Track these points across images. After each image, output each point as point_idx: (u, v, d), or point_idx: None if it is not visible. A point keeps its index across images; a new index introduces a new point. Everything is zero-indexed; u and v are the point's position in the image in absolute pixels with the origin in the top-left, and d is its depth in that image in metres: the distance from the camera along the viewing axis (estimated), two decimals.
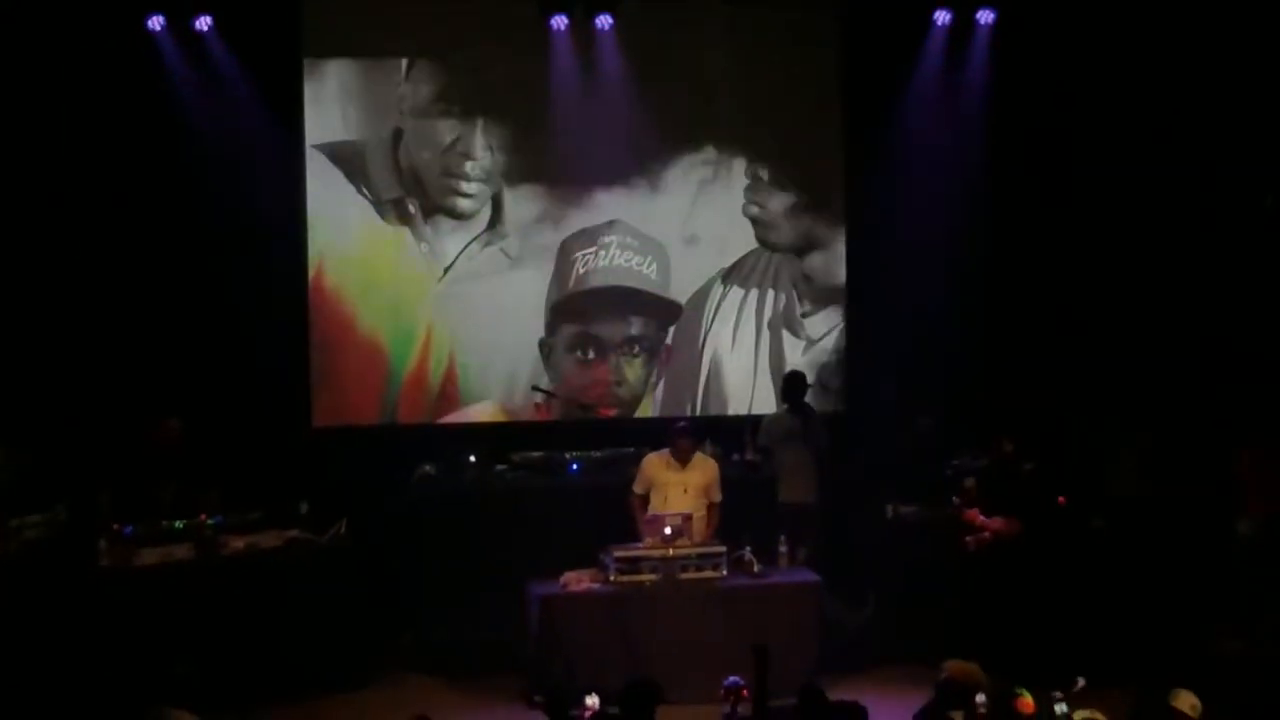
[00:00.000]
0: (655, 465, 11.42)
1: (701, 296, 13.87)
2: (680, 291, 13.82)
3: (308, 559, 11.28)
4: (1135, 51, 12.92)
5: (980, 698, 8.18)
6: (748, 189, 13.92)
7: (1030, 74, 13.33)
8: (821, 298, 14.00)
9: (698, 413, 13.78)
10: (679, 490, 11.29)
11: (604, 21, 13.17)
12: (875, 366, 13.69)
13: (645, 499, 11.34)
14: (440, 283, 13.45)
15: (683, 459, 11.38)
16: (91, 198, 12.48)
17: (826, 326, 14.02)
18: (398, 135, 13.39)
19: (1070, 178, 13.33)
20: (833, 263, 14.03)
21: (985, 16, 13.57)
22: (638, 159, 13.71)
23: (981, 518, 11.29)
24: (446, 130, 13.47)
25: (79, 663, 10.20)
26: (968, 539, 11.26)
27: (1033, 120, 13.36)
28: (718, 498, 11.44)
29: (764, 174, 13.93)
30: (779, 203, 13.97)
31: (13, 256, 12.29)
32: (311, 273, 13.35)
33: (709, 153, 13.86)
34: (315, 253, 13.33)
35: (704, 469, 11.48)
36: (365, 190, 13.35)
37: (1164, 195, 12.90)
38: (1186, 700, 7.85)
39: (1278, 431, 11.33)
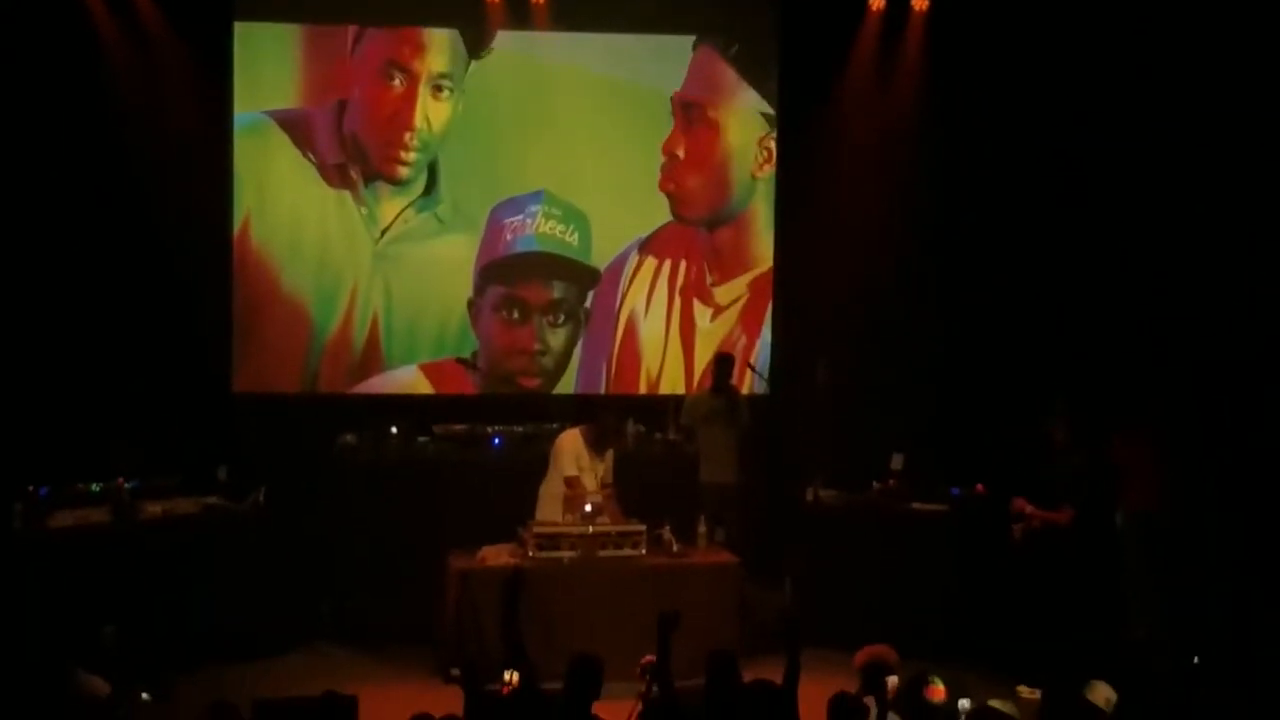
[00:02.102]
0: (577, 446, 11.19)
1: (619, 265, 14.03)
2: (600, 259, 14.02)
3: (225, 526, 11.24)
4: (1070, 39, 12.95)
5: (892, 680, 8.20)
6: (664, 166, 14.01)
7: (964, 60, 13.37)
8: (729, 270, 14.17)
9: (612, 376, 13.99)
10: (592, 476, 11.14)
11: None
12: (803, 348, 13.75)
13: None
14: (377, 245, 13.61)
15: (602, 447, 11.30)
16: (11, 154, 12.34)
17: (732, 296, 14.18)
18: (342, 105, 13.53)
19: (1005, 162, 13.32)
20: (741, 236, 14.15)
21: (920, 3, 13.65)
22: (566, 131, 13.85)
23: (1030, 507, 11.02)
24: (389, 102, 13.58)
25: None
26: (1015, 527, 11.03)
27: (967, 106, 13.40)
28: (611, 480, 11.34)
29: (680, 153, 14.01)
30: (696, 180, 14.06)
31: None
32: (237, 236, 13.39)
33: (633, 126, 13.99)
34: (241, 217, 13.39)
35: (609, 454, 11.44)
36: (311, 155, 13.50)
37: (1101, 178, 12.98)
38: (1101, 693, 7.91)
39: (1151, 420, 11.28)
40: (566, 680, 7.66)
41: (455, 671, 8.07)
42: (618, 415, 11.69)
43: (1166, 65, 12.45)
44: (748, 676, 8.12)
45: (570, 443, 11.24)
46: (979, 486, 11.76)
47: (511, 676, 8.25)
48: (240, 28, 13.28)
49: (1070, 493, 10.86)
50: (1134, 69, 12.63)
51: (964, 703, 8.28)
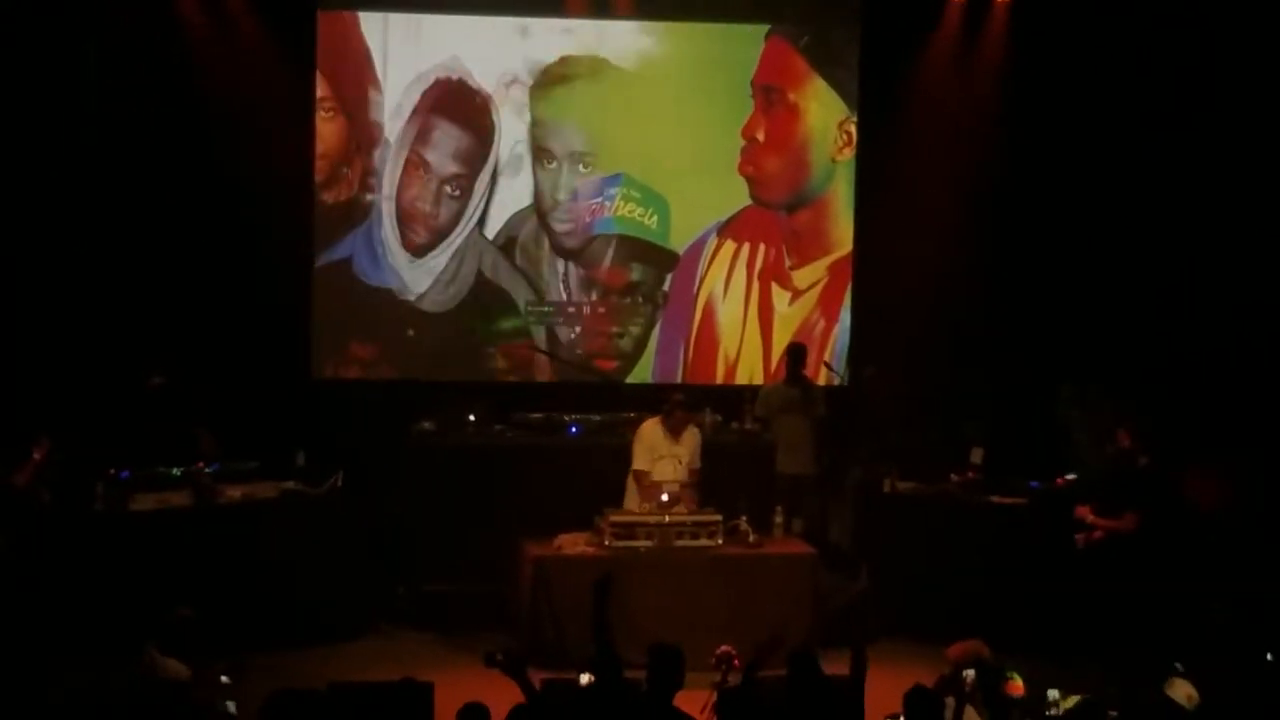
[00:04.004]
0: (654, 436, 11.28)
1: (697, 248, 14.05)
2: (678, 242, 14.05)
3: (303, 510, 11.30)
4: (1151, 31, 12.87)
5: (969, 674, 8.10)
6: (743, 149, 13.98)
7: (1045, 51, 13.29)
8: (808, 253, 14.12)
9: (689, 360, 14.05)
10: (674, 463, 11.18)
11: None
12: (881, 333, 13.70)
13: (649, 474, 11.21)
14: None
15: (677, 430, 11.31)
16: (101, 141, 12.48)
17: (811, 280, 14.12)
18: (424, 94, 13.56)
19: (1086, 152, 13.29)
20: (820, 220, 14.09)
21: None
22: (646, 114, 13.85)
23: (1093, 515, 10.98)
24: (471, 92, 13.63)
25: (70, 605, 10.24)
26: (1078, 535, 10.96)
27: (1047, 97, 13.31)
28: (698, 464, 11.36)
29: (760, 136, 13.97)
30: (775, 163, 14.03)
31: (20, 196, 12.26)
32: (318, 220, 13.48)
33: (713, 109, 13.99)
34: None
35: (691, 438, 11.40)
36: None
37: (1179, 174, 12.88)
38: (1182, 690, 7.80)
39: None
40: (649, 670, 7.61)
41: (499, 656, 7.87)
42: (685, 395, 11.68)
43: (1257, 62, 12.36)
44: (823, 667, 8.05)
45: (648, 432, 11.32)
46: (1059, 479, 11.65)
47: (586, 679, 8.15)
48: (323, 15, 13.37)
49: (1137, 496, 10.78)
50: (1220, 63, 12.53)
51: (1053, 693, 8.19)
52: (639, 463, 11.21)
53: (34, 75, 12.23)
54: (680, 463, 11.21)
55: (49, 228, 12.39)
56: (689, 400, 11.58)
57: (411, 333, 13.68)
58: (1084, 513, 11.00)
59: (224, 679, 8.24)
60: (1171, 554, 10.74)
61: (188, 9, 12.84)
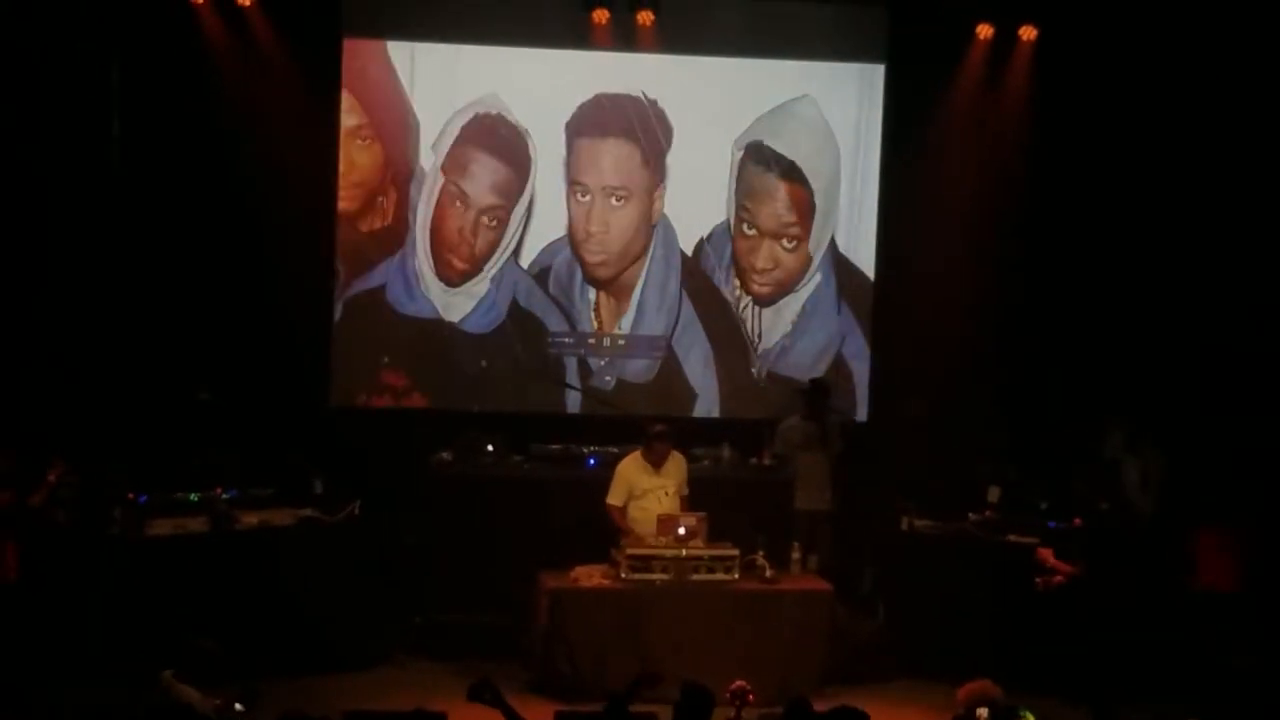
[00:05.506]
0: (633, 471, 11.36)
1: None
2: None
3: (319, 538, 11.34)
4: (1177, 69, 12.83)
5: (982, 712, 8.05)
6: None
7: (1072, 90, 13.25)
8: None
9: (719, 392, 13.80)
10: (660, 495, 11.25)
11: (645, 17, 13.17)
12: (900, 375, 13.64)
13: (624, 509, 11.30)
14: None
15: (658, 462, 11.34)
16: (125, 163, 12.53)
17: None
18: (463, 128, 13.48)
19: (1111, 193, 13.22)
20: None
21: (1027, 33, 13.51)
22: (672, 155, 13.70)
23: (1054, 559, 10.89)
24: (508, 127, 13.54)
25: (85, 628, 10.27)
26: (1038, 579, 10.87)
27: (1074, 133, 13.25)
28: (686, 491, 11.42)
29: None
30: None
31: (42, 218, 12.31)
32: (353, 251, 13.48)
33: (739, 149, 13.84)
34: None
35: (678, 467, 11.47)
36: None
37: (1210, 211, 12.85)
38: None
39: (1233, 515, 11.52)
40: (677, 708, 7.62)
41: (483, 692, 7.67)
42: (660, 425, 11.65)
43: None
44: (839, 703, 7.99)
45: (625, 467, 11.45)
46: (1076, 520, 11.59)
47: None
48: (351, 43, 13.34)
49: (1087, 542, 10.86)
50: (1249, 94, 12.53)
51: None
52: (611, 497, 11.31)
53: (58, 97, 12.25)
54: (667, 493, 11.29)
55: (71, 251, 12.40)
56: (670, 431, 11.56)
57: (484, 363, 13.53)
58: (1045, 555, 10.90)
59: (238, 707, 8.25)
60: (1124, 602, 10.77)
61: (213, 33, 12.82)
